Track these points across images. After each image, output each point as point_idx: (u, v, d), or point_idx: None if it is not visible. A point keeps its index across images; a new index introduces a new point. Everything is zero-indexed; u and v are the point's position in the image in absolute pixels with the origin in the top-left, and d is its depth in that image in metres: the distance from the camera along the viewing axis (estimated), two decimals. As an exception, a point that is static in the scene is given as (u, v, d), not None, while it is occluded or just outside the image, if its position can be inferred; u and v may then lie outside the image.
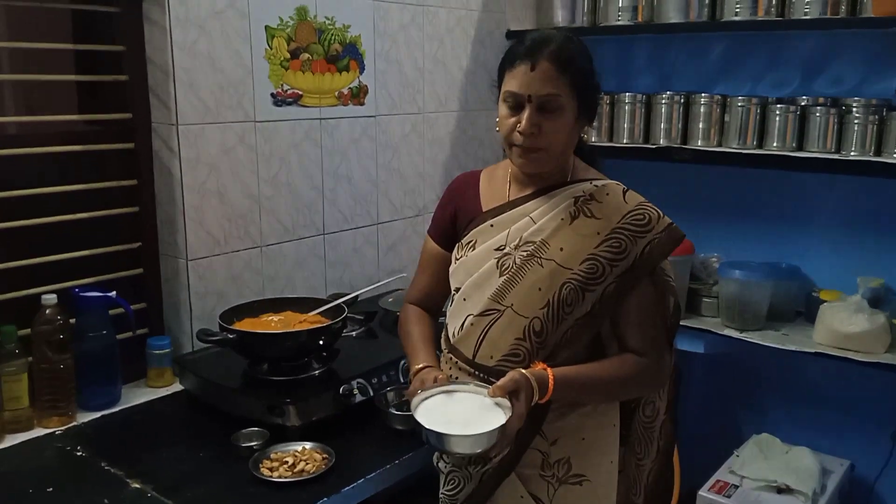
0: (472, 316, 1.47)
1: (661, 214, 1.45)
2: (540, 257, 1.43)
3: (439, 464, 1.57)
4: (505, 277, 1.45)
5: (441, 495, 1.56)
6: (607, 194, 1.46)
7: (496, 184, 1.57)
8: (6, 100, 2.07)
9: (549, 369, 1.37)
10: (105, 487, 1.52)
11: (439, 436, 1.27)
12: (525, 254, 1.45)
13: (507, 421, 1.28)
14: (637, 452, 1.58)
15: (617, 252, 1.41)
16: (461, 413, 1.32)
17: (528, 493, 1.47)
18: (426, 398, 1.37)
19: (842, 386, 2.58)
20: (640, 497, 1.60)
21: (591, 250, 1.41)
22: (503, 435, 1.28)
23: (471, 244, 1.52)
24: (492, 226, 1.51)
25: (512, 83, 1.40)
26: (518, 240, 1.46)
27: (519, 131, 1.40)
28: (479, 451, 1.30)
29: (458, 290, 1.52)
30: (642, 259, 1.41)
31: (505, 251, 1.47)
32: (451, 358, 1.51)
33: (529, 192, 1.50)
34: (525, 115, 1.39)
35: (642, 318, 1.44)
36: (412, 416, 1.32)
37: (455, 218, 1.59)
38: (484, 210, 1.54)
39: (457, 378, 1.47)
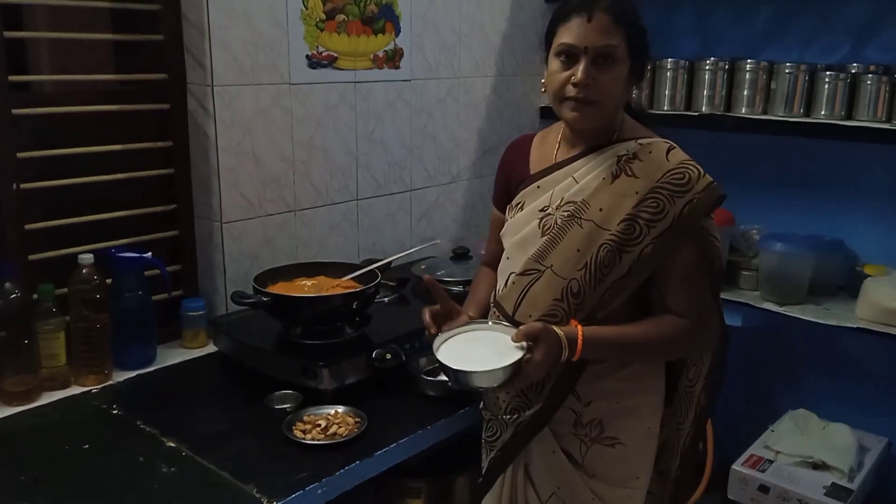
0: (514, 275, 1.50)
1: (702, 172, 1.41)
2: (580, 217, 1.43)
3: (483, 412, 1.62)
4: (546, 238, 1.46)
5: (483, 440, 1.63)
6: (650, 153, 1.43)
7: (546, 146, 1.57)
8: (43, 59, 2.07)
9: (579, 326, 1.38)
10: (140, 445, 1.54)
11: (445, 367, 1.34)
12: (566, 214, 1.45)
13: (520, 363, 1.31)
14: (677, 416, 1.57)
15: (655, 212, 1.39)
16: (477, 352, 1.37)
17: (561, 448, 1.49)
18: (452, 336, 1.43)
19: (882, 362, 2.52)
20: (676, 460, 1.60)
21: (629, 210, 1.40)
22: (511, 375, 1.31)
23: (519, 205, 1.54)
24: (538, 187, 1.52)
25: (567, 35, 1.39)
26: (560, 200, 1.47)
27: (573, 83, 1.38)
28: (483, 385, 1.35)
29: (505, 249, 1.56)
30: (681, 219, 1.38)
31: (547, 212, 1.48)
32: (494, 312, 1.55)
33: (576, 152, 1.50)
34: (581, 66, 1.37)
35: (683, 279, 1.41)
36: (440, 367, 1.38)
37: (508, 181, 1.62)
38: (532, 172, 1.55)
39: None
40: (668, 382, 1.55)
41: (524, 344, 1.34)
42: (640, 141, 1.45)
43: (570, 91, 1.39)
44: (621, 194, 1.41)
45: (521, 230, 1.51)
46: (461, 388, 1.38)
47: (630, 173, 1.41)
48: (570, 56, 1.39)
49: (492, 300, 1.58)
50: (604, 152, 1.46)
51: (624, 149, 1.44)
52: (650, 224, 1.39)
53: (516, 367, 1.32)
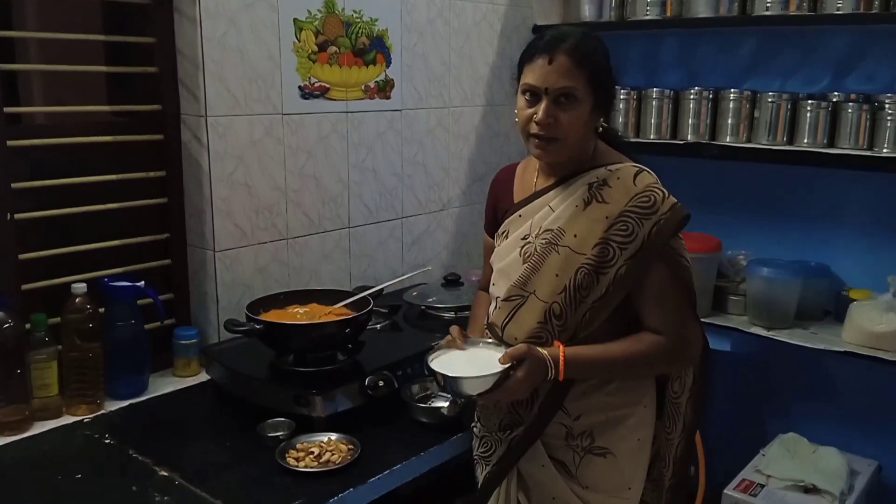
0: (499, 300, 1.57)
1: (667, 195, 1.48)
2: (556, 244, 1.50)
3: (474, 428, 1.67)
4: (527, 265, 1.53)
5: (475, 456, 1.67)
6: (618, 178, 1.50)
7: (527, 175, 1.65)
8: (37, 90, 2.09)
9: (561, 346, 1.45)
10: (133, 475, 1.54)
11: (433, 372, 1.46)
12: (544, 242, 1.51)
13: (505, 375, 1.41)
14: (666, 427, 1.61)
15: (625, 234, 1.45)
16: (465, 366, 1.46)
17: (555, 459, 1.54)
18: (448, 351, 1.54)
19: (870, 386, 2.54)
20: (668, 470, 1.63)
21: (601, 234, 1.46)
22: (494, 384, 1.40)
23: (504, 234, 1.62)
24: (520, 216, 1.59)
25: (530, 75, 1.46)
26: (539, 229, 1.53)
27: (535, 121, 1.45)
28: (468, 392, 1.44)
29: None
30: (650, 240, 1.45)
31: (528, 240, 1.55)
32: (487, 333, 1.63)
33: (552, 181, 1.57)
34: (542, 106, 1.44)
35: (658, 297, 1.47)
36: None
37: (496, 210, 1.69)
38: (515, 201, 1.62)
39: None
40: (656, 395, 1.60)
41: (510, 364, 1.43)
42: (609, 167, 1.51)
43: (534, 128, 1.46)
44: (594, 220, 1.47)
45: (505, 258, 1.58)
46: (450, 393, 1.49)
47: (601, 199, 1.48)
48: (533, 95, 1.46)
49: (486, 322, 1.65)
50: (576, 181, 1.52)
51: (594, 176, 1.51)
52: (622, 246, 1.45)
53: (501, 378, 1.41)
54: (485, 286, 1.75)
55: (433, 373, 1.47)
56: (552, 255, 1.49)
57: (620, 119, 2.71)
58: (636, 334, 1.49)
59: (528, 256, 1.53)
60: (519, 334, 1.53)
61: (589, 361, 1.47)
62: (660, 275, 1.46)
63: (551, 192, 1.55)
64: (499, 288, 1.59)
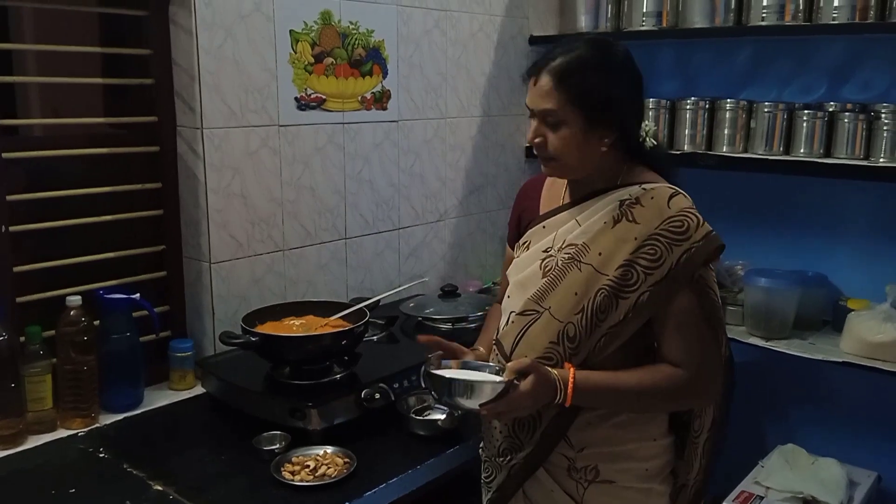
0: (513, 314, 1.49)
1: (701, 222, 1.40)
2: (580, 260, 1.42)
3: (481, 451, 1.62)
4: (546, 279, 1.46)
5: (482, 480, 1.62)
6: (652, 198, 1.42)
7: (556, 188, 1.58)
8: (33, 102, 2.09)
9: (572, 369, 1.37)
10: (127, 489, 1.52)
11: (429, 375, 1.37)
12: (567, 256, 1.44)
13: (508, 386, 1.31)
14: (687, 467, 1.53)
15: (652, 259, 1.37)
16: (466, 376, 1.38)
17: (560, 488, 1.47)
18: (446, 366, 1.44)
19: (869, 396, 2.54)
20: None
21: (627, 255, 1.39)
22: (496, 395, 1.31)
23: (525, 245, 1.55)
24: (544, 227, 1.53)
25: (527, 95, 1.45)
26: (563, 242, 1.47)
27: (527, 142, 1.45)
28: (461, 400, 1.35)
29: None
30: (678, 268, 1.37)
31: (549, 253, 1.48)
32: (494, 350, 1.55)
33: (582, 195, 1.50)
34: (532, 126, 1.44)
35: (679, 328, 1.39)
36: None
37: (520, 220, 1.63)
38: (541, 213, 1.57)
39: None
40: (678, 433, 1.52)
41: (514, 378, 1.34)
42: (643, 186, 1.44)
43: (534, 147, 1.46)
44: (621, 239, 1.40)
45: (524, 270, 1.51)
46: (448, 401, 1.39)
47: (630, 218, 1.41)
48: (531, 114, 1.45)
49: (495, 336, 1.58)
50: (607, 196, 1.45)
51: (627, 193, 1.43)
52: (647, 271, 1.37)
53: (503, 390, 1.32)
54: (501, 299, 1.67)
55: (432, 382, 1.38)
56: (573, 271, 1.42)
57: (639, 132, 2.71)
58: (653, 365, 1.41)
59: (549, 270, 1.45)
60: (529, 353, 1.43)
61: (600, 388, 1.38)
62: (684, 304, 1.38)
63: (580, 206, 1.48)
64: (513, 301, 1.51)
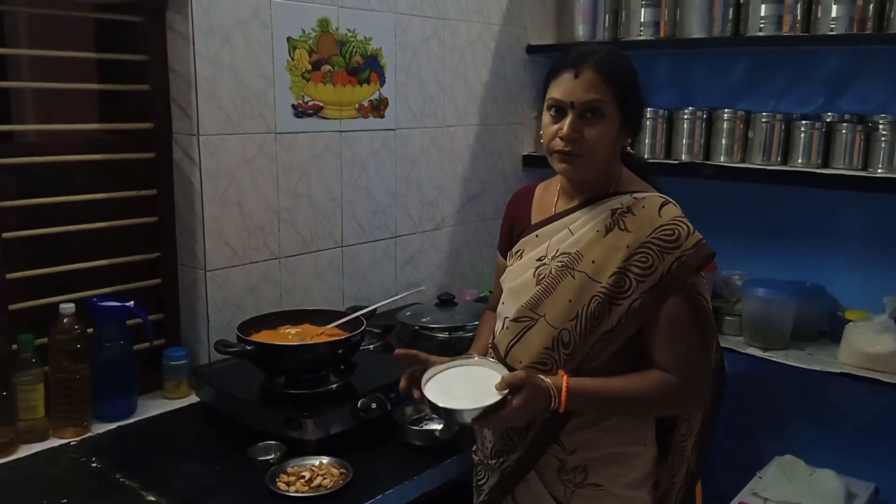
0: (508, 320, 1.53)
1: (692, 230, 1.43)
2: (573, 268, 1.45)
3: (474, 455, 1.63)
4: (540, 287, 1.48)
5: (474, 483, 1.64)
6: (643, 207, 1.45)
7: (547, 197, 1.61)
8: (28, 108, 2.08)
9: (565, 376, 1.40)
10: (120, 500, 1.51)
11: (431, 403, 1.38)
12: (560, 265, 1.47)
13: (502, 403, 1.33)
14: (672, 470, 1.56)
15: (644, 267, 1.40)
16: (463, 392, 1.39)
17: (547, 491, 1.49)
18: (442, 371, 1.45)
19: (867, 407, 2.53)
20: None
21: (619, 263, 1.41)
22: (490, 413, 1.33)
23: (519, 253, 1.57)
24: (537, 236, 1.55)
25: (556, 90, 1.44)
26: (556, 251, 1.49)
27: (560, 136, 1.42)
28: (457, 421, 1.37)
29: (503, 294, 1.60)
30: (669, 275, 1.40)
31: (543, 262, 1.50)
32: (491, 354, 1.57)
33: (574, 204, 1.53)
34: (567, 120, 1.42)
35: (670, 334, 1.41)
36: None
37: (512, 230, 1.65)
38: (533, 222, 1.58)
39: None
40: (662, 437, 1.54)
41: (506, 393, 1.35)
42: (635, 195, 1.47)
43: (559, 144, 1.43)
44: (613, 247, 1.42)
45: (517, 278, 1.54)
46: (443, 420, 1.43)
47: (623, 227, 1.43)
48: (559, 110, 1.43)
49: (490, 342, 1.60)
50: (599, 205, 1.48)
51: (619, 202, 1.46)
52: (639, 278, 1.40)
53: (498, 406, 1.34)
54: (493, 306, 1.70)
55: (427, 400, 1.40)
56: (567, 279, 1.44)
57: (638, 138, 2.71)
58: (644, 371, 1.43)
59: (542, 278, 1.48)
60: (524, 358, 1.47)
61: (592, 394, 1.40)
62: (675, 311, 1.41)
63: (573, 215, 1.50)
64: (508, 308, 1.54)
